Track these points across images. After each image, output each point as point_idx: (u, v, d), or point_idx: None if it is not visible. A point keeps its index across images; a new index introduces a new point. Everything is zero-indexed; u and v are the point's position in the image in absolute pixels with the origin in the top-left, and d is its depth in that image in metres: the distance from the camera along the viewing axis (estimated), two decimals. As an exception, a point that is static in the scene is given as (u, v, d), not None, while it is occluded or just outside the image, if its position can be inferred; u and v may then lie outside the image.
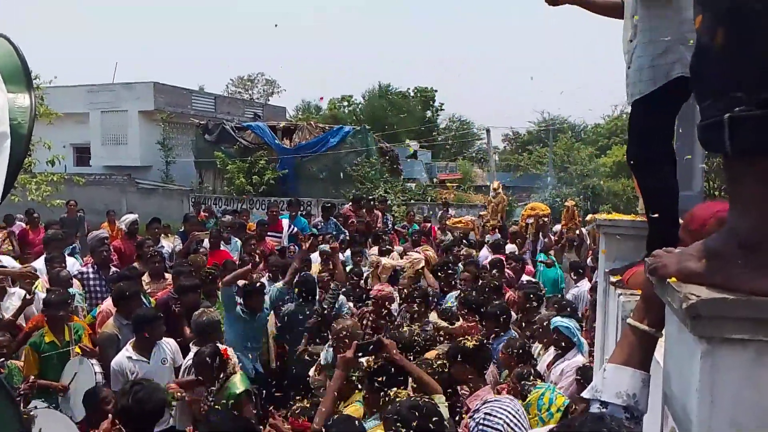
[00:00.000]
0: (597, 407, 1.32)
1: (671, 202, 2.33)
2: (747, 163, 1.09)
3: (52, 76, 13.44)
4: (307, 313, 5.65)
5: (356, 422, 2.87)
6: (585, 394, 1.37)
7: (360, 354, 3.40)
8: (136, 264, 7.21)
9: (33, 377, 4.67)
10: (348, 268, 7.43)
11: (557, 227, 10.63)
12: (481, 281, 6.27)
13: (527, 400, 3.55)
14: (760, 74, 1.05)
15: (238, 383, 4.25)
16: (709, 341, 1.05)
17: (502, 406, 3.04)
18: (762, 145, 1.04)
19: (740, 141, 1.06)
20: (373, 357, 3.37)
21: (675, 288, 1.12)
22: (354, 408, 3.35)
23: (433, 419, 2.65)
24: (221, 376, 4.29)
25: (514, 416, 3.00)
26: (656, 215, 2.33)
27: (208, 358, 4.24)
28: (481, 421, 2.95)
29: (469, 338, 3.71)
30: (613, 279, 2.43)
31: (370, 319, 5.46)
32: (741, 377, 1.05)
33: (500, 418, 2.95)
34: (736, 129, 1.05)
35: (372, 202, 11.72)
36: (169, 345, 4.87)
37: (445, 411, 3.06)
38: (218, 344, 4.50)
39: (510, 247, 9.16)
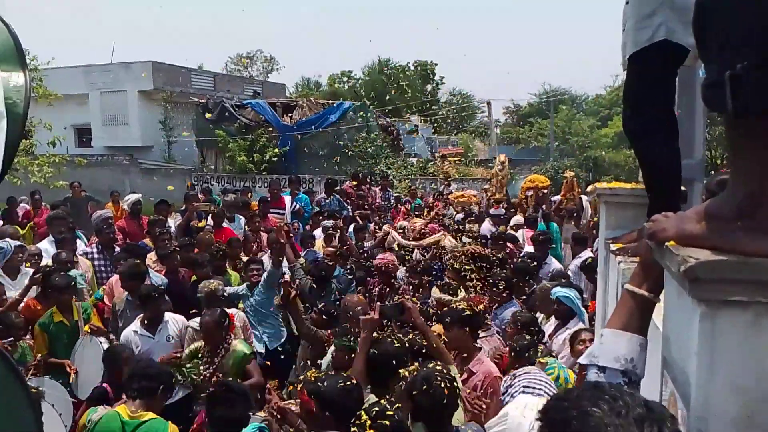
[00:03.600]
0: (595, 372, 1.33)
1: (669, 169, 2.29)
2: (748, 125, 1.08)
3: (50, 57, 13.36)
4: (322, 294, 5.75)
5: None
6: (582, 360, 1.38)
7: (384, 316, 3.54)
8: (147, 241, 7.28)
9: (40, 356, 4.75)
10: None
11: (556, 198, 10.61)
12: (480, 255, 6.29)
13: None
14: (762, 28, 1.03)
15: (243, 346, 4.45)
16: (707, 304, 1.05)
17: (537, 374, 3.11)
18: (763, 102, 1.03)
19: (742, 99, 1.05)
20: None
21: (673, 251, 1.12)
22: None
23: (446, 392, 2.70)
24: (228, 339, 4.41)
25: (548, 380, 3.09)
26: (650, 183, 2.31)
27: (220, 319, 4.35)
28: (523, 389, 2.96)
29: (462, 303, 3.80)
30: (613, 247, 2.43)
31: (376, 288, 5.52)
32: (740, 339, 1.05)
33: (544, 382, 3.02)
34: (738, 87, 1.04)
35: (371, 178, 11.70)
36: (176, 321, 4.94)
37: (458, 382, 3.11)
38: (225, 309, 4.60)
39: (516, 218, 9.13)
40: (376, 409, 2.49)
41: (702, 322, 1.06)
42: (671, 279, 1.23)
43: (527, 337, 3.81)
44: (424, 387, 2.68)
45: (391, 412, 2.48)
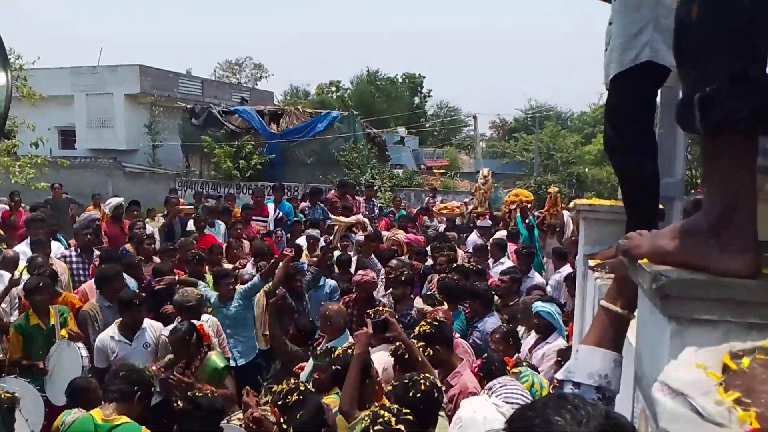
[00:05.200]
0: (570, 388, 1.34)
1: (647, 187, 2.31)
2: (718, 143, 1.10)
3: (35, 57, 13.18)
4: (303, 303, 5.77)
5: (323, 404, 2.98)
6: (558, 375, 1.39)
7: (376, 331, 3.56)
8: (128, 246, 7.20)
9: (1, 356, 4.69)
10: (335, 254, 7.43)
11: (539, 213, 10.68)
12: (455, 264, 6.34)
13: None
14: (732, 49, 1.06)
15: (217, 359, 4.35)
16: (678, 321, 1.06)
17: (513, 386, 3.13)
18: (731, 121, 1.05)
19: (710, 119, 1.07)
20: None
21: (645, 268, 1.13)
22: (332, 399, 3.37)
23: (427, 398, 2.76)
24: (201, 351, 4.34)
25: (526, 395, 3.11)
26: (629, 200, 2.34)
27: (185, 336, 4.28)
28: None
29: (423, 323, 3.79)
30: (591, 263, 2.45)
31: (353, 306, 5.50)
32: (709, 357, 1.06)
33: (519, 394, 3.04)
34: (707, 107, 1.07)
35: (356, 188, 11.69)
36: (153, 329, 4.88)
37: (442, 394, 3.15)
38: (193, 321, 4.53)
39: (500, 233, 9.18)
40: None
41: (672, 339, 1.07)
42: (644, 296, 1.25)
43: (491, 356, 3.82)
44: (415, 388, 2.76)
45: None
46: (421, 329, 3.72)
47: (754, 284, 1.03)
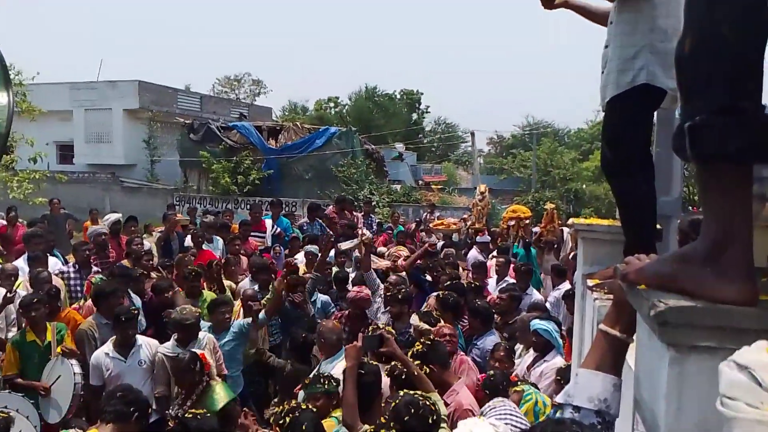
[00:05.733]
0: (570, 412, 1.34)
1: (645, 209, 2.33)
2: (711, 172, 1.12)
3: (35, 73, 13.25)
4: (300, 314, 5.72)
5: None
6: (558, 399, 1.39)
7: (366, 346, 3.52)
8: (125, 262, 7.18)
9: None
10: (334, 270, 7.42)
11: (536, 229, 10.70)
12: (454, 281, 6.31)
13: (523, 410, 3.56)
14: (721, 82, 1.08)
15: (222, 393, 4.17)
16: (676, 348, 1.07)
17: (504, 407, 3.12)
18: (720, 152, 1.07)
19: (700, 149, 1.10)
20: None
21: (644, 294, 1.14)
22: (330, 423, 3.33)
23: (426, 417, 2.73)
24: (203, 380, 4.24)
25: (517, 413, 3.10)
26: (627, 222, 2.35)
27: (189, 364, 4.18)
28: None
29: (418, 342, 3.78)
30: (589, 283, 2.46)
31: (346, 322, 5.48)
32: (707, 385, 1.06)
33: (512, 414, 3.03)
34: (697, 137, 1.09)
35: (355, 203, 11.69)
36: (150, 347, 4.84)
37: (442, 407, 3.15)
38: (194, 350, 4.46)
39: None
40: None
41: (671, 366, 1.07)
42: (643, 321, 1.25)
43: (497, 373, 3.82)
44: (413, 410, 2.73)
45: None
46: (416, 349, 3.72)
47: (753, 311, 1.04)
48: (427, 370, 3.58)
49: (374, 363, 3.45)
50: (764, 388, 0.76)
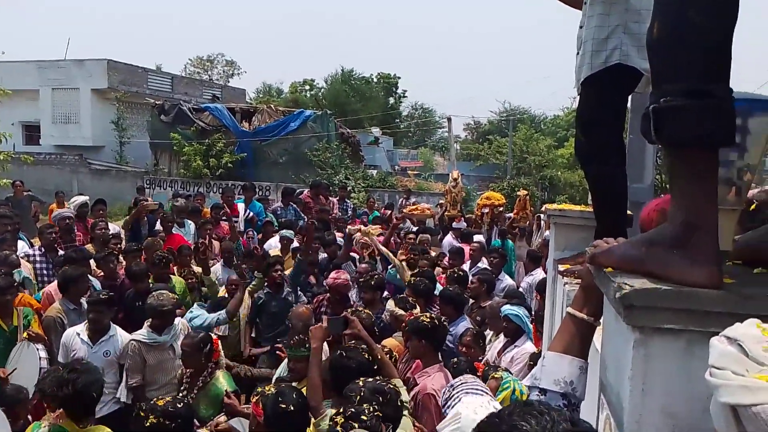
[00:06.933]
0: (536, 394, 1.34)
1: (616, 194, 2.34)
2: (680, 155, 1.12)
3: (0, 51, 12.88)
4: (276, 302, 5.67)
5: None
6: (525, 382, 1.40)
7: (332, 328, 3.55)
8: (89, 246, 7.03)
9: None
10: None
11: (509, 215, 10.78)
12: (420, 268, 6.33)
13: (500, 398, 3.58)
14: (689, 66, 1.08)
15: (225, 381, 4.14)
16: (641, 330, 1.07)
17: (476, 383, 3.14)
18: (684, 135, 1.08)
19: (664, 131, 1.10)
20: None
21: (610, 277, 1.14)
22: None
23: (394, 404, 2.74)
24: (209, 366, 4.18)
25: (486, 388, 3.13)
26: (599, 207, 2.36)
27: (200, 343, 4.13)
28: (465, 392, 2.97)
29: (424, 316, 3.79)
30: (561, 268, 2.47)
31: (326, 306, 5.47)
32: (672, 366, 1.07)
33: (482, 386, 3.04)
34: (661, 120, 1.10)
35: (330, 188, 11.63)
36: (122, 339, 4.76)
37: (404, 394, 3.14)
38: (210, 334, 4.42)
39: (478, 237, 9.17)
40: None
41: (636, 348, 1.07)
42: (609, 304, 1.25)
43: (461, 360, 3.84)
44: (381, 399, 2.71)
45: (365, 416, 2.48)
46: (421, 320, 3.72)
47: (717, 294, 1.04)
48: (417, 343, 3.65)
49: (359, 347, 3.43)
50: (751, 358, 0.80)
